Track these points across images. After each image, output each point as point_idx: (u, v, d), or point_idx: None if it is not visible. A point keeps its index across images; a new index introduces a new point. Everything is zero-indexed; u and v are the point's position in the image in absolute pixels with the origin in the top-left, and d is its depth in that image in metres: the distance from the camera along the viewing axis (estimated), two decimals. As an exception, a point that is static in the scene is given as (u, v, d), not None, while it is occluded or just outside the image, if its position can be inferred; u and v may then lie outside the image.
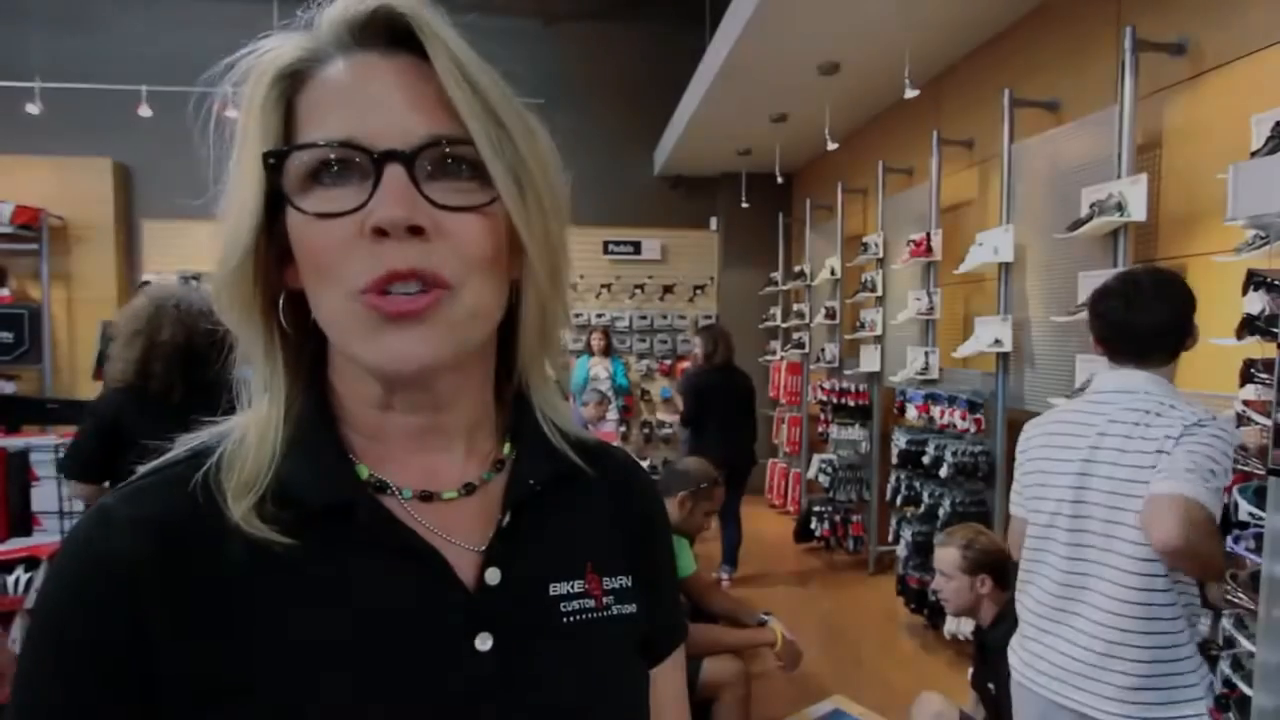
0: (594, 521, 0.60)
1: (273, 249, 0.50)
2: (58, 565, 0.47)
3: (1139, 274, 1.66)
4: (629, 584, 0.58)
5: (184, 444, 0.52)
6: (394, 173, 0.45)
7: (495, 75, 0.49)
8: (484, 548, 0.53)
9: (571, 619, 0.54)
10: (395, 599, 0.49)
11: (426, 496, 0.53)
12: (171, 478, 0.50)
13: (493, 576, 0.52)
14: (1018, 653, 1.68)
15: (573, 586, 0.55)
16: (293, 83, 0.49)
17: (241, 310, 0.50)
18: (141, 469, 0.51)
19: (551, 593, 0.54)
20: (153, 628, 0.45)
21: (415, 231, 0.45)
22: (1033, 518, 1.67)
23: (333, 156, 0.46)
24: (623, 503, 0.62)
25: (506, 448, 0.58)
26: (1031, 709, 1.60)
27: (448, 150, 0.47)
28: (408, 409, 0.52)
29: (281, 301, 0.51)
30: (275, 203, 0.48)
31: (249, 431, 0.51)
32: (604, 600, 0.56)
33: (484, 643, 0.50)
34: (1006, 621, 2.19)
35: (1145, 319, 1.57)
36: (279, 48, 0.49)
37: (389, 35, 0.48)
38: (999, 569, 2.27)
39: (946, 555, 2.32)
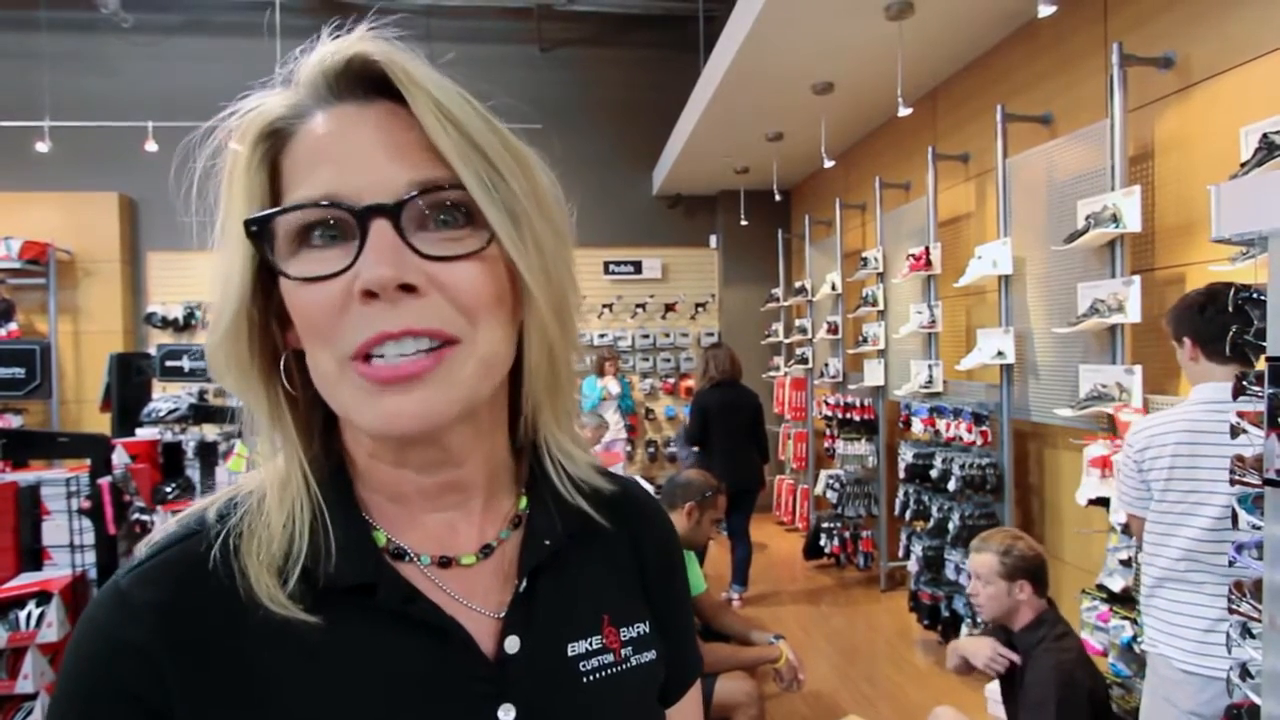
0: (610, 571, 0.59)
1: (273, 310, 0.49)
2: (73, 650, 0.46)
3: (1220, 287, 1.84)
4: (647, 630, 0.58)
5: (201, 505, 0.51)
6: (380, 228, 0.43)
7: (482, 110, 0.47)
8: (502, 614, 0.52)
9: (591, 677, 0.53)
10: (418, 673, 0.48)
11: (445, 562, 0.52)
12: (189, 551, 0.48)
13: (512, 645, 0.51)
14: (1192, 650, 1.81)
15: (590, 644, 0.54)
16: (275, 142, 0.47)
17: (238, 373, 0.49)
18: (158, 539, 0.49)
19: (570, 653, 0.53)
20: (172, 714, 0.44)
21: (407, 289, 0.43)
22: (1189, 520, 1.80)
23: (314, 217, 0.44)
24: (640, 544, 0.62)
25: (523, 502, 0.56)
26: (1208, 691, 1.76)
27: (435, 196, 0.44)
28: (421, 468, 0.50)
29: (284, 363, 0.50)
30: (268, 263, 0.46)
31: (266, 498, 0.49)
32: (622, 652, 0.55)
33: (507, 714, 0.49)
34: (1044, 626, 2.16)
35: (1240, 323, 1.75)
36: (259, 107, 0.48)
37: (367, 83, 0.46)
38: (1037, 574, 2.22)
39: (984, 560, 2.26)
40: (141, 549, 0.50)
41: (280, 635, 0.46)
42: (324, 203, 0.44)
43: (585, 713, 0.52)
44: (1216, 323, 1.78)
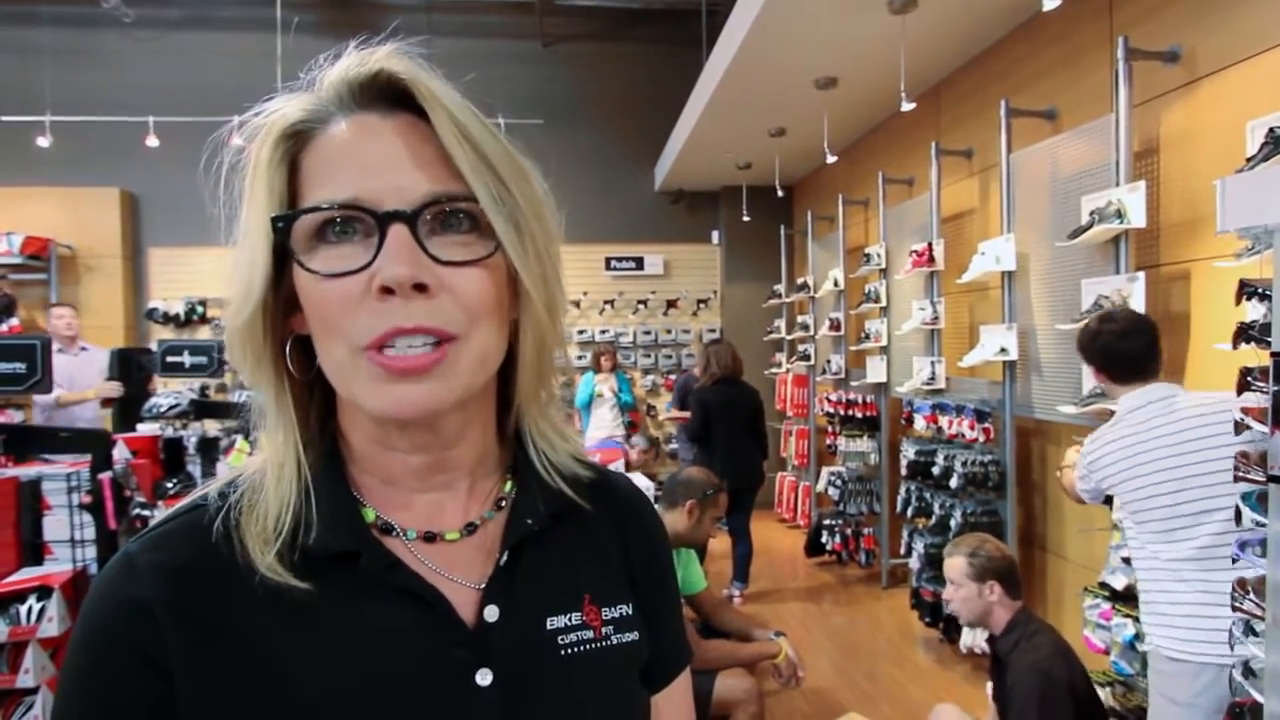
0: (593, 553, 0.61)
1: (279, 297, 0.52)
2: (85, 610, 0.50)
3: (1116, 313, 2.06)
4: (629, 612, 0.60)
5: (207, 485, 0.55)
6: (398, 232, 0.47)
7: (490, 127, 0.51)
8: (483, 585, 0.55)
9: (570, 651, 0.56)
10: (400, 638, 0.52)
11: (430, 538, 0.56)
12: (194, 522, 0.52)
13: (491, 614, 0.54)
14: (1178, 638, 1.86)
15: (570, 619, 0.57)
16: (296, 142, 0.51)
17: (254, 359, 0.53)
18: (167, 511, 0.54)
19: (549, 626, 0.56)
20: (172, 669, 0.48)
21: (420, 288, 0.47)
22: (1166, 524, 1.88)
23: (338, 217, 0.49)
24: (624, 531, 0.64)
25: (508, 485, 0.60)
26: (1201, 679, 1.82)
27: (450, 207, 0.49)
28: (414, 450, 0.54)
29: (288, 347, 0.53)
30: (281, 256, 0.51)
31: (266, 475, 0.53)
32: (603, 630, 0.58)
33: (484, 678, 0.52)
34: (1017, 629, 2.18)
35: (1135, 345, 1.97)
36: (283, 109, 0.51)
37: (389, 96, 0.51)
38: (1006, 575, 2.27)
39: (954, 564, 2.33)
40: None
41: (273, 601, 0.50)
42: (349, 205, 0.48)
43: (562, 684, 0.55)
44: (1112, 349, 1.98)
